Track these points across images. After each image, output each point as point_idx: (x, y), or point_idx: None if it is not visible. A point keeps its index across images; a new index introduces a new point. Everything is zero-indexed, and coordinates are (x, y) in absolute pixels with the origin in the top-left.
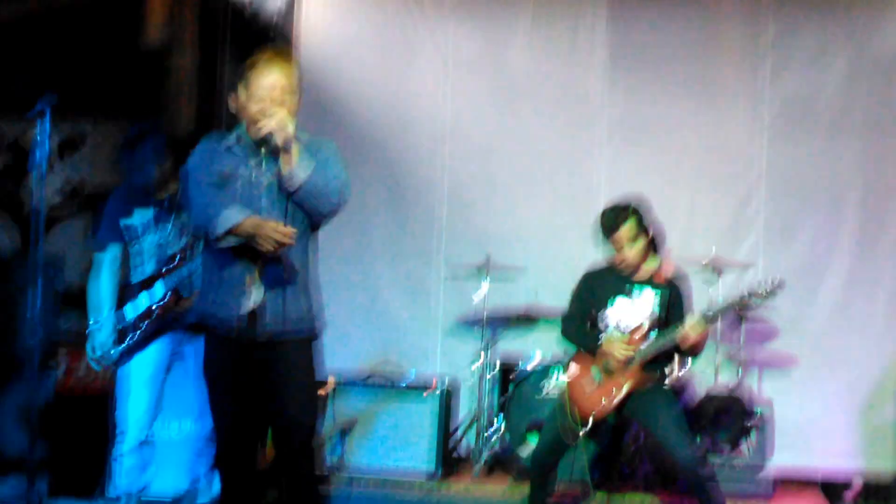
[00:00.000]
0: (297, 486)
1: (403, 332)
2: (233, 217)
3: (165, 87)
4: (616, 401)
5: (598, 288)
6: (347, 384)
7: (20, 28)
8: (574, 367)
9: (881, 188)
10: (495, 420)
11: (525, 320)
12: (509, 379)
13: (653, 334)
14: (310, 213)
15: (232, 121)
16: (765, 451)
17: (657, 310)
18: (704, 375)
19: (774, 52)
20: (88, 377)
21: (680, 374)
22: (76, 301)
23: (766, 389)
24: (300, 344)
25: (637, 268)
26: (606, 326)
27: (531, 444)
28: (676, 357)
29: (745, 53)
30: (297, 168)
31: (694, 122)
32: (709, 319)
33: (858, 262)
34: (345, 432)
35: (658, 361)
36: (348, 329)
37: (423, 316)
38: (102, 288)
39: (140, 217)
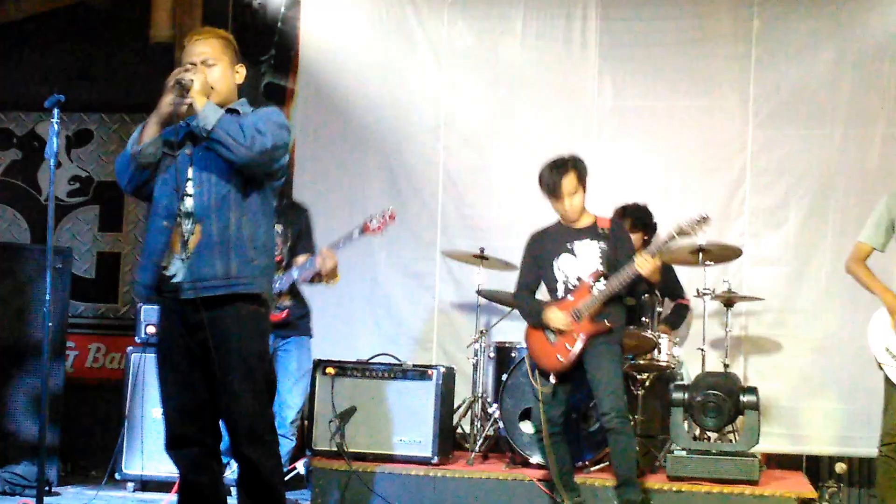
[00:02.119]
0: (246, 477)
1: (402, 320)
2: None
3: None
4: (572, 356)
5: (542, 247)
6: (347, 371)
7: (30, 25)
8: (529, 331)
9: (865, 175)
10: (490, 406)
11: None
12: (504, 366)
13: (598, 286)
14: (228, 156)
15: None
16: (752, 437)
17: (600, 262)
18: (691, 362)
19: (760, 43)
20: (97, 364)
21: (669, 359)
22: (86, 290)
23: (751, 374)
24: (221, 305)
25: (577, 220)
26: (555, 282)
27: (525, 429)
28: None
29: (732, 44)
30: (208, 110)
31: (683, 113)
32: (652, 254)
33: (844, 248)
34: (344, 418)
35: (605, 312)
36: (348, 317)
37: (421, 304)
38: None
39: None
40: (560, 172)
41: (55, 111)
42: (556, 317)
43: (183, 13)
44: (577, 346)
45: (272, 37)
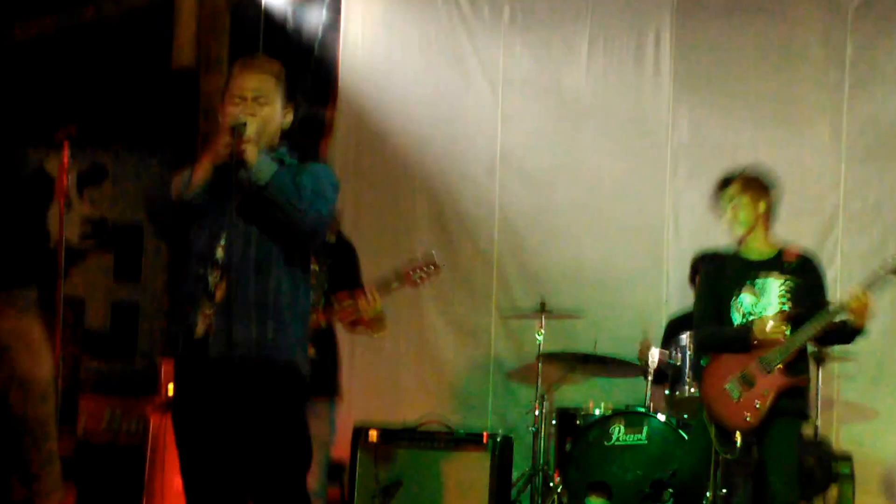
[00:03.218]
0: None
1: (453, 380)
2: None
3: (197, 110)
4: (762, 414)
5: (719, 278)
6: (392, 438)
7: (40, 50)
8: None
9: None
10: (552, 480)
11: (584, 370)
12: (567, 433)
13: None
14: (280, 217)
15: None
16: None
17: (785, 302)
18: None
19: (855, 70)
20: (113, 427)
21: None
22: (100, 346)
23: (843, 440)
24: (257, 369)
25: (746, 241)
26: (731, 324)
27: None
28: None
29: (822, 72)
30: (263, 163)
31: (767, 147)
32: (870, 287)
33: None
34: (389, 493)
35: (802, 362)
36: (396, 376)
37: (474, 363)
38: None
39: None
40: (727, 180)
41: (66, 145)
42: (774, 326)
43: (208, 37)
44: (768, 404)
45: (308, 63)
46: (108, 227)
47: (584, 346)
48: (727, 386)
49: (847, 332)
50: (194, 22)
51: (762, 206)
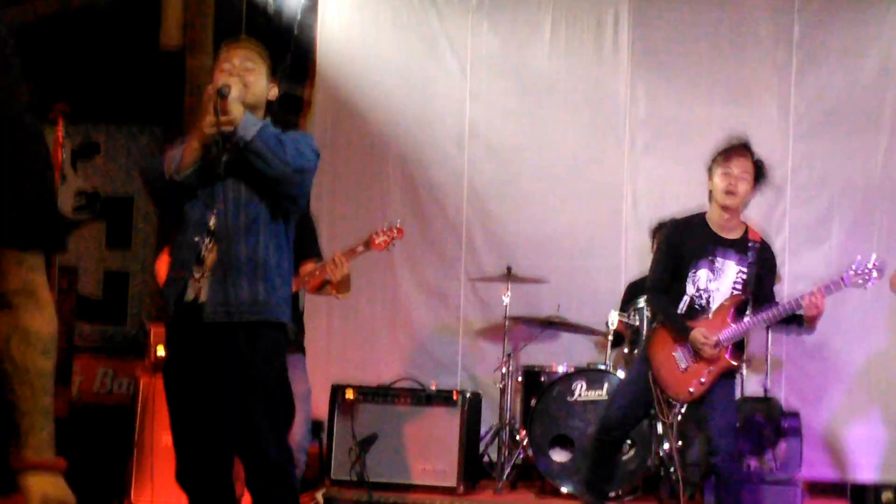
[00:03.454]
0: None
1: (425, 342)
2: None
3: (183, 89)
4: (704, 390)
5: (683, 245)
6: (367, 396)
7: (31, 30)
8: (656, 347)
9: None
10: (518, 433)
11: (548, 330)
12: (532, 390)
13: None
14: (263, 169)
15: None
16: (793, 463)
17: (737, 288)
18: None
19: (801, 51)
20: (104, 389)
21: None
22: (92, 311)
23: (792, 399)
24: (247, 330)
25: (728, 222)
26: (682, 294)
27: (556, 457)
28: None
29: (771, 52)
30: (248, 119)
31: (719, 123)
32: (824, 294)
33: (889, 265)
34: (364, 446)
35: (740, 344)
36: (368, 338)
37: (445, 325)
38: None
39: None
40: (740, 151)
41: (60, 122)
42: (707, 344)
43: (194, 19)
44: (712, 379)
45: (288, 44)
46: (100, 199)
47: (547, 308)
48: (675, 353)
49: (797, 328)
50: (181, 5)
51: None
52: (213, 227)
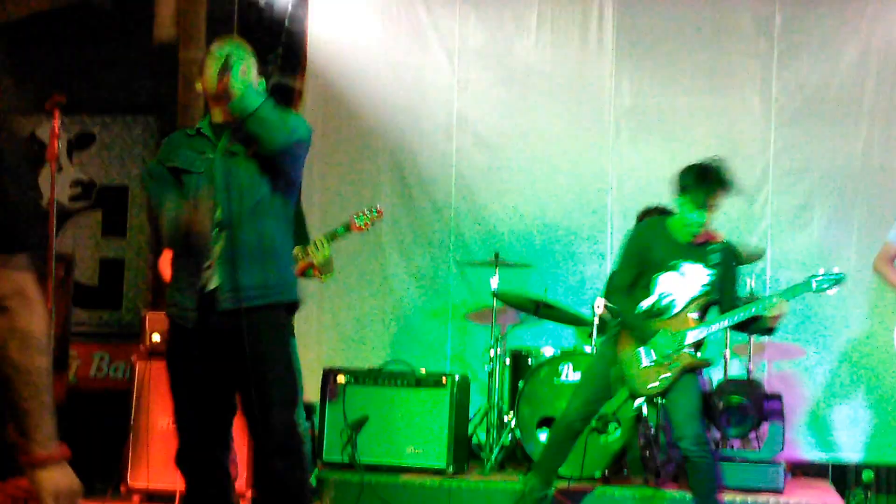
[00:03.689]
0: (271, 490)
1: (415, 326)
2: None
3: (177, 80)
4: (666, 385)
5: (650, 249)
6: (358, 379)
7: (29, 24)
8: (624, 340)
9: (891, 174)
10: (506, 415)
11: (535, 315)
12: (520, 373)
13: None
14: (265, 140)
15: None
16: (776, 445)
17: (701, 292)
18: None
19: (783, 40)
20: (101, 374)
21: None
22: (89, 298)
23: (774, 381)
24: (259, 314)
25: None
26: (648, 294)
27: (543, 438)
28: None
29: (754, 41)
30: (250, 92)
31: (702, 112)
32: (790, 296)
33: (869, 250)
34: (356, 428)
35: (702, 343)
36: (359, 323)
37: (434, 310)
38: None
39: None
40: (724, 187)
41: (56, 113)
42: (664, 347)
43: (187, 12)
44: (675, 376)
45: (279, 36)
46: (95, 189)
47: (534, 294)
48: (637, 350)
49: (759, 329)
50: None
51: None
52: (219, 216)
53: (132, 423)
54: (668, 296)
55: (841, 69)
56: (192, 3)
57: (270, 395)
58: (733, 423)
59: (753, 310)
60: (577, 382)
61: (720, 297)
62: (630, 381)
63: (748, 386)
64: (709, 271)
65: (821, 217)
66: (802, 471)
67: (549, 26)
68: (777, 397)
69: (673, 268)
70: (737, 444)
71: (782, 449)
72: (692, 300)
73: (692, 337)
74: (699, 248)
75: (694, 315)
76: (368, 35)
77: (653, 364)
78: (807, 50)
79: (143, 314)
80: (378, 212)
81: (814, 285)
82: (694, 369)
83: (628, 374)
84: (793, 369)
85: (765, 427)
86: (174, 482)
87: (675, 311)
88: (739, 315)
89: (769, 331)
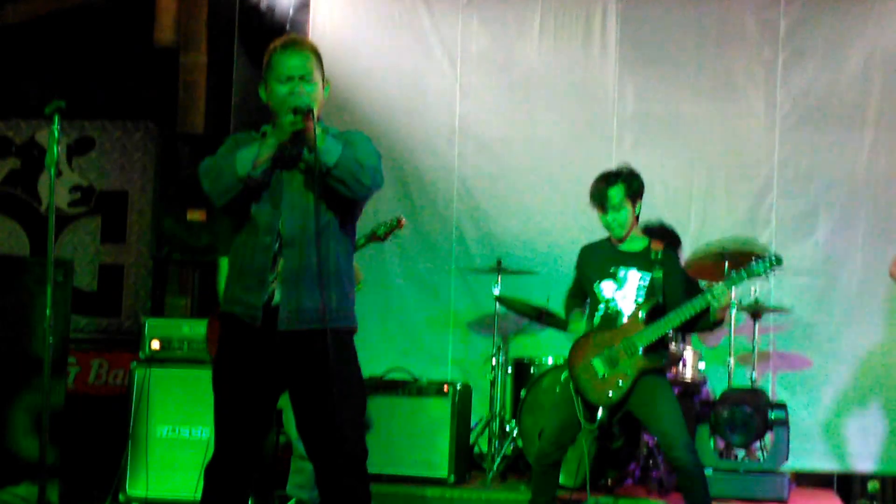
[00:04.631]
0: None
1: (416, 333)
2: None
3: (177, 85)
4: (624, 392)
5: (588, 265)
6: None
7: (29, 29)
8: (576, 355)
9: (895, 183)
10: (508, 424)
11: (537, 323)
12: (522, 382)
13: (645, 316)
14: (345, 193)
15: (241, 118)
16: (781, 454)
17: (642, 296)
18: (717, 378)
19: (787, 46)
20: (100, 381)
21: (694, 374)
22: (88, 304)
23: (779, 390)
24: (322, 337)
25: (624, 239)
26: (597, 304)
27: None
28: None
29: (758, 47)
30: (330, 144)
31: (707, 118)
32: (733, 284)
33: (875, 257)
34: None
35: (662, 347)
36: (362, 331)
37: (435, 317)
38: None
39: None
40: (608, 183)
41: (55, 118)
42: (616, 353)
43: (188, 16)
44: (630, 383)
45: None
46: (95, 194)
47: (537, 301)
48: (593, 361)
49: (708, 323)
50: (174, 2)
51: (637, 208)
52: (283, 232)
53: (131, 430)
54: (612, 302)
55: (846, 76)
56: (193, 7)
57: (341, 412)
58: (737, 433)
59: (700, 304)
60: (546, 412)
61: (665, 300)
62: (587, 393)
63: (752, 394)
64: (642, 275)
65: (826, 224)
66: (807, 481)
67: (552, 32)
68: (782, 406)
69: (612, 275)
70: (741, 454)
71: (787, 459)
72: (638, 305)
73: (643, 340)
74: (636, 255)
75: (644, 319)
76: (370, 41)
77: (608, 373)
78: (812, 56)
79: (142, 321)
80: (399, 221)
81: (753, 269)
82: (650, 372)
83: (585, 387)
84: (798, 377)
85: (769, 436)
86: (173, 491)
87: (626, 317)
88: (687, 311)
89: (717, 324)
